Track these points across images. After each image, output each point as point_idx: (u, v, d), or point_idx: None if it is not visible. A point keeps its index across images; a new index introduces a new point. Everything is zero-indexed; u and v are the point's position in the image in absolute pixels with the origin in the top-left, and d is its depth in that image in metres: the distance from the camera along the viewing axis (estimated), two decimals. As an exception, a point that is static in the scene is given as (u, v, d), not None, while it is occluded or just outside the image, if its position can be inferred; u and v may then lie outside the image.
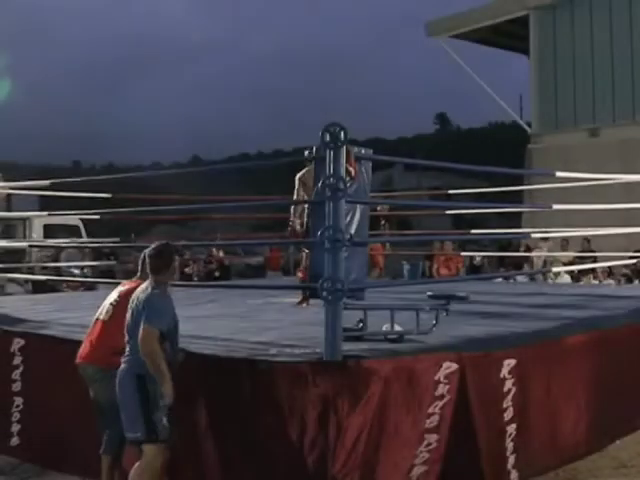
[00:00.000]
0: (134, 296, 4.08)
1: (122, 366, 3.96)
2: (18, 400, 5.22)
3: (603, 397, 5.39)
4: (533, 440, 4.70)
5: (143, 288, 4.06)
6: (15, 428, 5.24)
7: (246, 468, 4.09)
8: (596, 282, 11.23)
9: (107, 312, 4.43)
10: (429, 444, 4.09)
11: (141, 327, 3.84)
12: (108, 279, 10.45)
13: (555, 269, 9.97)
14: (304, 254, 7.18)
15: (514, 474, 4.49)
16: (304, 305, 6.98)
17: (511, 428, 4.51)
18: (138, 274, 4.56)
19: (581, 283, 11.20)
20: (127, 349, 3.98)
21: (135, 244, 13.51)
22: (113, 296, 4.51)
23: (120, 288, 4.56)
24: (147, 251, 4.15)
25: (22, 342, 5.19)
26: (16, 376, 5.21)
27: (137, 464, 3.92)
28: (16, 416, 5.24)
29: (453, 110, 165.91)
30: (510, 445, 4.49)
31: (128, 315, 4.02)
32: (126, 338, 4.00)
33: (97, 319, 4.47)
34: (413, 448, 4.05)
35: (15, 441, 5.25)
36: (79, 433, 4.65)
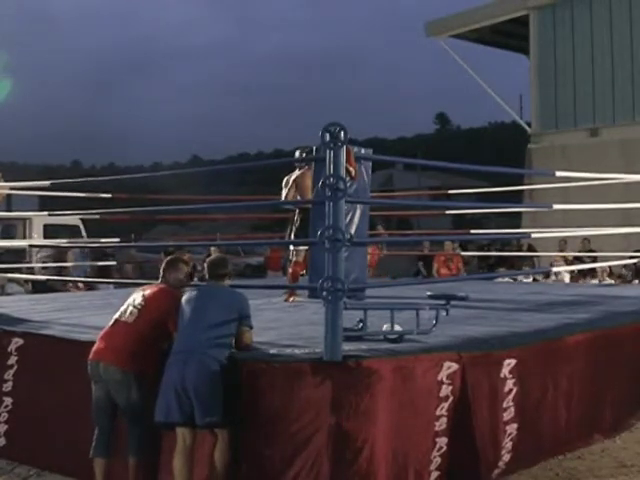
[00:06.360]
0: (210, 291, 4.31)
1: (205, 354, 3.99)
2: (7, 400, 5.17)
3: (601, 396, 5.40)
4: (528, 438, 4.68)
5: (220, 286, 4.32)
6: (2, 429, 5.19)
7: (244, 468, 4.08)
8: (596, 282, 11.23)
9: (131, 314, 4.36)
10: (440, 448, 4.07)
11: (246, 328, 4.20)
12: (105, 279, 10.45)
13: (555, 269, 9.94)
14: (295, 250, 7.15)
15: (501, 468, 4.48)
16: (291, 300, 6.97)
17: (511, 428, 4.49)
18: (160, 278, 4.59)
19: (583, 282, 11.18)
20: (209, 339, 4.03)
21: (135, 244, 13.57)
22: (137, 299, 4.44)
23: (144, 292, 4.49)
24: (210, 260, 4.49)
25: (20, 342, 5.16)
26: (9, 376, 5.16)
27: (216, 448, 4.01)
28: (4, 416, 5.19)
29: (453, 110, 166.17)
30: (508, 445, 4.47)
31: (210, 308, 4.14)
32: (207, 328, 4.06)
33: (118, 320, 4.40)
34: (428, 454, 4.03)
35: (1, 441, 5.20)
36: (76, 434, 4.62)
